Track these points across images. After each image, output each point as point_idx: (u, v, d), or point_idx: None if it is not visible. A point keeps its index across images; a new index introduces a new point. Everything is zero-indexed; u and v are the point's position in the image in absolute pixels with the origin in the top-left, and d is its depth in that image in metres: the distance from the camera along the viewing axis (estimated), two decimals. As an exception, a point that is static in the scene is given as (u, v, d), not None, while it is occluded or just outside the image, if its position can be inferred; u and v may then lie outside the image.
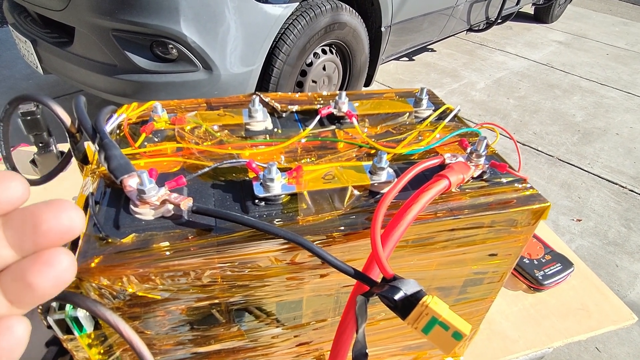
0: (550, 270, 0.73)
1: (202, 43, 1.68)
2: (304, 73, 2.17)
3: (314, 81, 2.24)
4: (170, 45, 1.67)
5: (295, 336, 0.50)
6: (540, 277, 0.72)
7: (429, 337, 0.33)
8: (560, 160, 2.42)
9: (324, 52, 2.23)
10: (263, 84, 1.99)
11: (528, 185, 0.46)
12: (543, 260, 0.74)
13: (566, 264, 0.74)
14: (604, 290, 0.74)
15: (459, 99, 2.96)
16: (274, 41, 1.90)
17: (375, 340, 0.55)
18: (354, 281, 0.38)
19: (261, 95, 0.55)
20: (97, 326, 0.39)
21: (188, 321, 0.43)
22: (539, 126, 2.72)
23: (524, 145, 2.51)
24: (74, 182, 0.90)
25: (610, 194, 2.18)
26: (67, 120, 0.44)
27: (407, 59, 3.48)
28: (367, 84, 2.65)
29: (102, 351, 0.41)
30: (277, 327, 0.47)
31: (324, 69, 2.26)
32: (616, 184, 2.26)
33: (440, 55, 3.62)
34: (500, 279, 0.52)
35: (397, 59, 3.38)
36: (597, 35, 4.47)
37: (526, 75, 3.41)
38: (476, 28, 3.57)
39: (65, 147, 0.92)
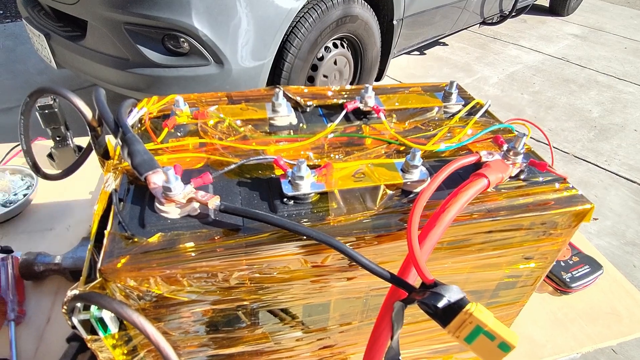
0: (578, 272, 0.71)
1: (214, 36, 1.67)
2: (315, 67, 2.15)
3: (325, 76, 2.21)
4: (182, 39, 1.66)
5: (319, 339, 0.49)
6: (568, 280, 0.69)
7: (472, 347, 0.31)
8: (576, 157, 2.37)
9: (335, 46, 2.20)
10: (274, 79, 1.97)
11: (569, 186, 0.44)
12: (570, 262, 0.72)
13: (595, 266, 0.72)
14: (634, 294, 0.71)
15: (472, 94, 2.91)
16: (285, 35, 1.88)
17: (400, 343, 0.53)
18: (384, 283, 0.36)
19: (284, 89, 0.53)
20: (121, 327, 0.38)
21: (213, 323, 0.41)
22: (554, 122, 2.67)
23: (539, 142, 2.46)
24: (90, 176, 0.90)
25: (629, 192, 2.13)
26: (89, 113, 0.43)
27: (419, 53, 3.43)
28: (378, 78, 2.62)
29: (126, 352, 0.40)
30: (303, 329, 0.46)
31: (335, 63, 2.23)
32: (635, 182, 2.21)
33: (453, 49, 3.57)
34: (534, 283, 0.50)
35: (408, 53, 3.34)
36: (615, 29, 4.37)
37: (541, 69, 3.35)
38: (489, 21, 3.50)
39: (81, 141, 0.91)
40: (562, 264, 0.72)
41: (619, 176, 2.26)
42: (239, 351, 0.45)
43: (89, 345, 0.38)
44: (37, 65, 2.77)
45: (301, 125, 0.51)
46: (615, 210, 2.01)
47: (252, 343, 0.45)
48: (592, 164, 2.33)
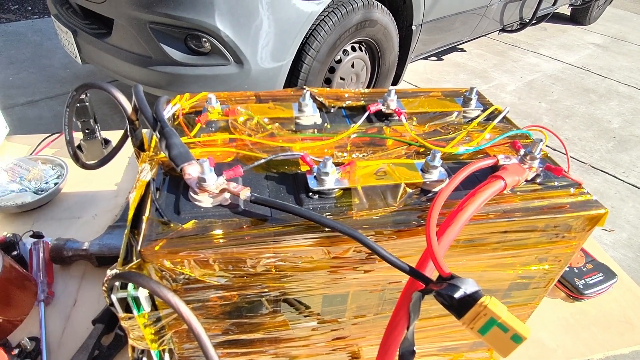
0: (592, 279, 0.71)
1: (235, 37, 1.70)
2: (332, 70, 2.17)
3: (342, 78, 2.24)
4: (204, 39, 1.70)
5: (333, 330, 0.51)
6: (581, 286, 0.70)
7: (485, 338, 0.33)
8: (593, 167, 2.35)
9: (353, 49, 2.22)
10: (292, 80, 2.00)
11: (584, 191, 0.45)
12: (584, 269, 0.73)
13: (609, 274, 0.72)
14: (648, 304, 0.72)
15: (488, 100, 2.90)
16: (304, 37, 1.90)
17: (413, 339, 0.55)
18: (401, 277, 0.38)
19: (311, 90, 0.56)
20: (153, 307, 0.40)
21: (236, 307, 0.44)
22: (572, 131, 2.64)
23: (555, 150, 2.44)
24: (116, 169, 0.94)
25: (646, 204, 2.10)
26: (129, 108, 0.46)
27: (436, 59, 3.43)
28: (395, 82, 2.63)
29: (154, 331, 0.43)
30: (319, 320, 0.48)
31: (352, 66, 2.25)
32: (653, 194, 2.18)
33: (471, 56, 3.56)
34: (547, 285, 0.51)
35: (426, 58, 3.34)
36: (638, 39, 4.30)
37: (560, 78, 3.31)
38: (509, 28, 3.48)
39: (107, 134, 0.95)
40: (576, 270, 0.72)
41: (637, 188, 2.22)
42: (258, 337, 0.48)
43: (122, 323, 0.41)
44: (62, 60, 2.85)
45: (325, 125, 0.53)
46: (632, 222, 1.98)
47: (271, 330, 0.47)
48: (609, 174, 2.30)
